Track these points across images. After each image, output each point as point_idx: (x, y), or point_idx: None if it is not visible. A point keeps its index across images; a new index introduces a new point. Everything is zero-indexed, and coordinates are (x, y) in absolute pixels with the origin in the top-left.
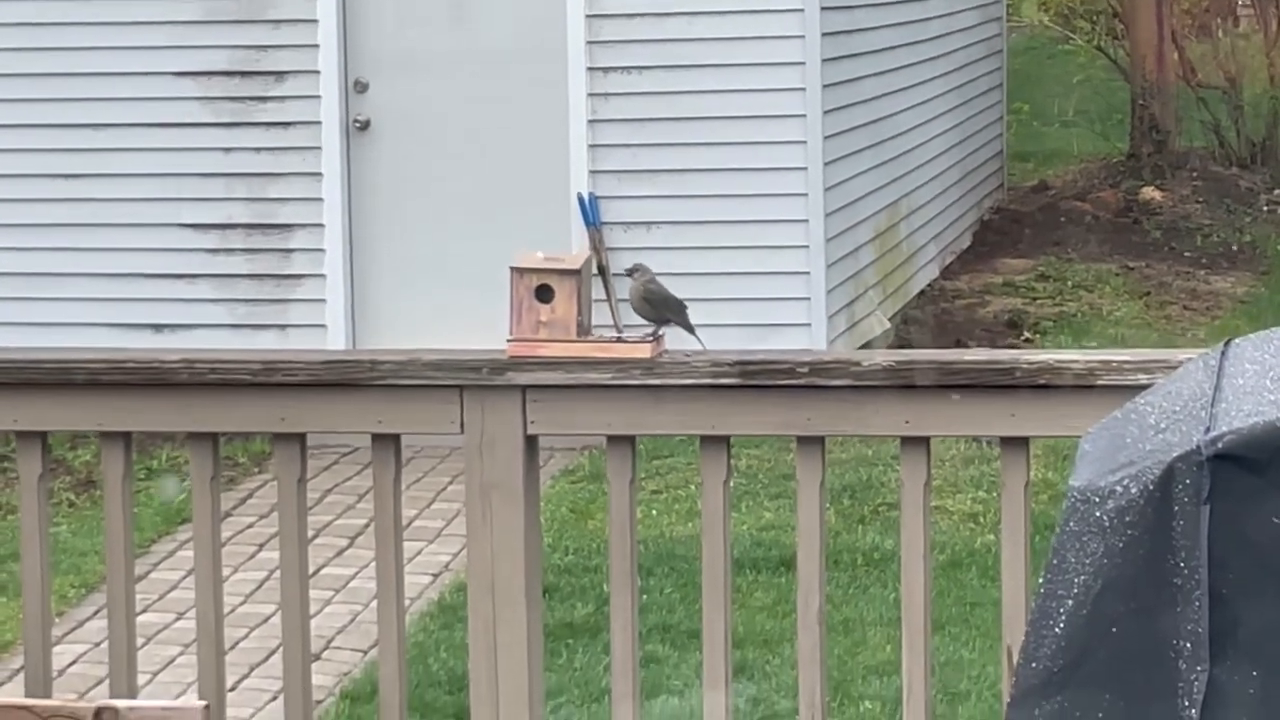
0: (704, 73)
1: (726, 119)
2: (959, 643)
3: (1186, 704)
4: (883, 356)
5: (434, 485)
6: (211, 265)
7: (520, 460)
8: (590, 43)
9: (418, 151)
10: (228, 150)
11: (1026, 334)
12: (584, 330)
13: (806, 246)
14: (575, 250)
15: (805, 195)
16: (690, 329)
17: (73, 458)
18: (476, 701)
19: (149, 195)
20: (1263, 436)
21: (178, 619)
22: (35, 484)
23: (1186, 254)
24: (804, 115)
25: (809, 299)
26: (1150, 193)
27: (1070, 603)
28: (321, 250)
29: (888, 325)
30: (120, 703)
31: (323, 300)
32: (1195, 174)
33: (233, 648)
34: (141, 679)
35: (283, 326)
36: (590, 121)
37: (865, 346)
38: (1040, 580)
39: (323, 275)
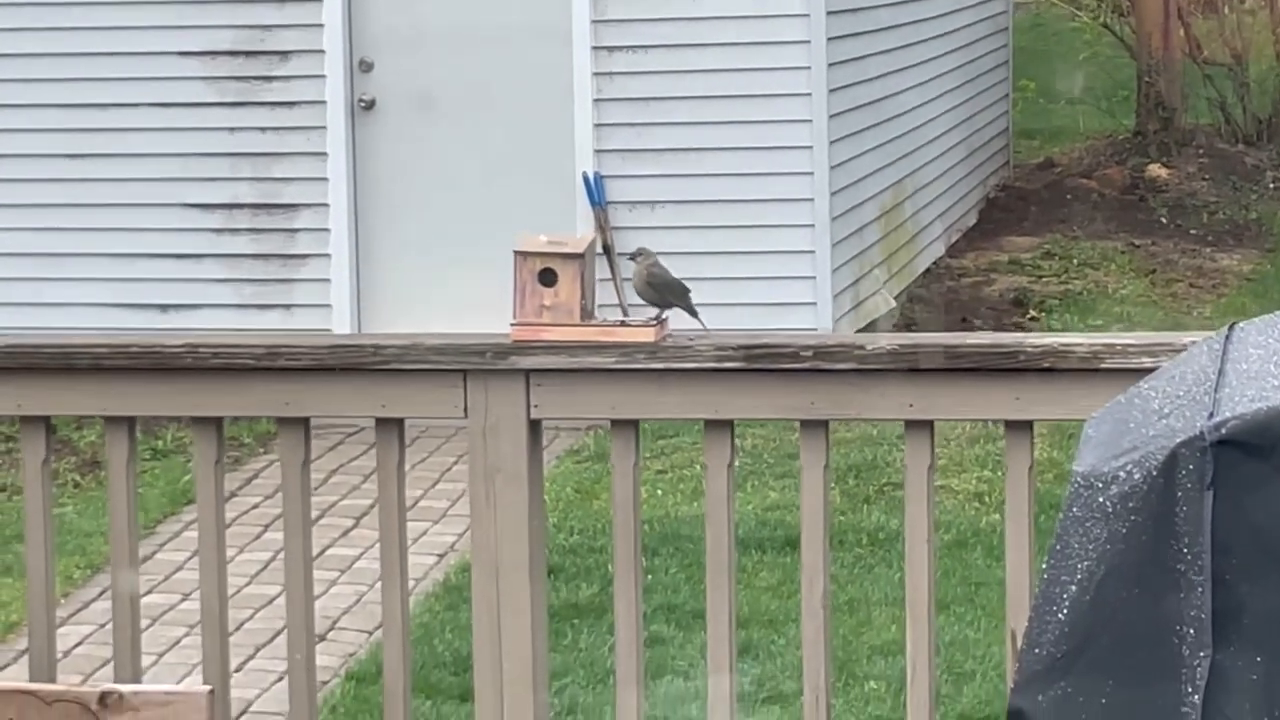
0: (709, 51)
1: (731, 98)
2: (964, 622)
3: (1190, 689)
4: (887, 340)
5: (439, 465)
6: (217, 245)
7: (524, 444)
8: (595, 22)
9: (423, 131)
10: (233, 130)
11: (1032, 312)
12: (587, 314)
13: (812, 225)
14: (580, 231)
15: (810, 174)
16: (694, 313)
17: (78, 438)
18: (481, 682)
19: (154, 175)
20: (1266, 422)
21: (183, 600)
22: (39, 468)
23: (1192, 231)
24: (809, 94)
25: (814, 278)
26: (1156, 170)
27: (1074, 588)
28: (327, 230)
29: (893, 304)
30: (124, 687)
31: (328, 280)
32: (1201, 151)
33: (238, 629)
34: (146, 660)
35: (288, 306)
36: (595, 100)
37: (870, 325)
38: (1043, 565)
39: (328, 255)
